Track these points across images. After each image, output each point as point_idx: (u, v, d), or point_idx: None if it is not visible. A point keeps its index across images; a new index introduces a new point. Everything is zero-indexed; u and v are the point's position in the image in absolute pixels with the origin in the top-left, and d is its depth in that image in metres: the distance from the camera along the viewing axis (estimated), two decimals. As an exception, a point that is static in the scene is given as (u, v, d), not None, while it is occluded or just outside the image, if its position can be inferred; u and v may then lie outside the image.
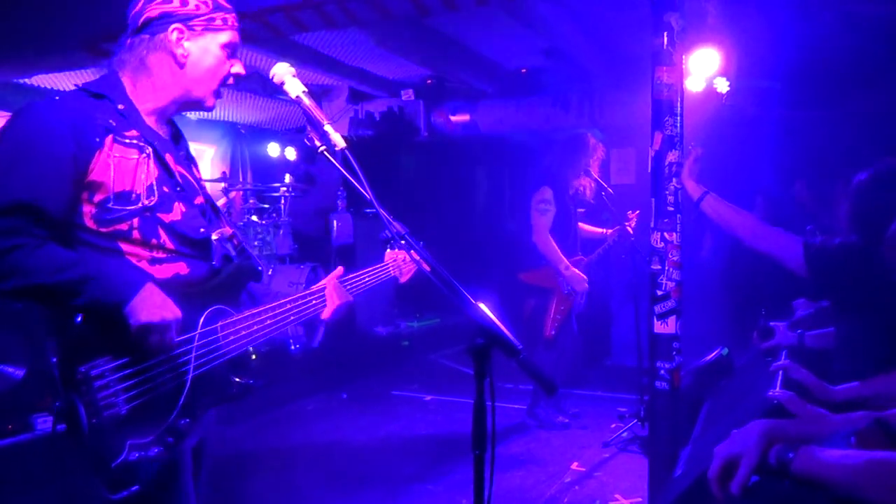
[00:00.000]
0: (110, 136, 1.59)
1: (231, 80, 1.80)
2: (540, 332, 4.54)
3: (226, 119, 7.43)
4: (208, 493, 1.95)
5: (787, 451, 1.21)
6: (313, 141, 1.66)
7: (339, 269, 2.03)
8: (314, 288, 1.95)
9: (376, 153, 7.05)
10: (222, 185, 6.45)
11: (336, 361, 6.19)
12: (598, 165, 4.69)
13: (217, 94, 1.81)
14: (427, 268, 1.52)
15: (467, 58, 5.91)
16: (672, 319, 2.90)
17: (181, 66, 1.70)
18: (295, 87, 1.68)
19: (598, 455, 4.17)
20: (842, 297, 2.30)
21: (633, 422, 4.46)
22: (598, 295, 6.64)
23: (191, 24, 1.69)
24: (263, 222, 6.26)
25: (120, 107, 1.65)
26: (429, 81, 6.59)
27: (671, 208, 2.89)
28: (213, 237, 1.78)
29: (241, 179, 7.55)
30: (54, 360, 1.49)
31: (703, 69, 4.33)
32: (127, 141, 1.63)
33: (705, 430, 2.44)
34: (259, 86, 5.96)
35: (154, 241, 1.64)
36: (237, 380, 1.77)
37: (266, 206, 6.57)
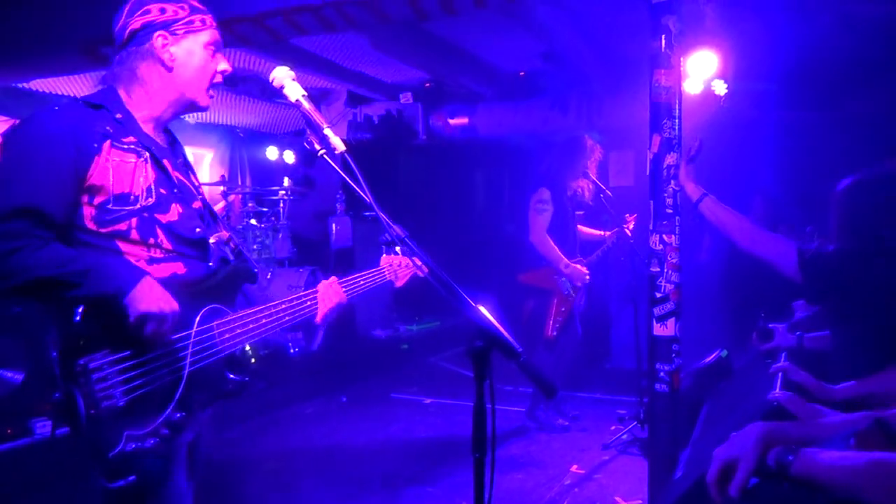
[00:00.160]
0: (108, 142, 1.65)
1: (219, 78, 1.86)
2: (540, 333, 4.54)
3: (224, 123, 7.44)
4: (207, 495, 1.95)
5: (787, 453, 1.21)
6: (313, 144, 1.67)
7: (333, 278, 2.07)
8: (310, 290, 1.99)
9: (375, 156, 7.06)
10: (221, 188, 6.45)
11: (335, 364, 6.19)
12: (596, 167, 4.70)
13: (209, 93, 1.86)
14: (426, 271, 1.54)
15: (465, 61, 5.92)
16: (671, 321, 2.91)
17: (170, 69, 1.77)
18: (294, 91, 1.70)
19: (597, 457, 4.17)
20: (836, 303, 2.31)
21: (632, 424, 4.46)
22: (598, 297, 6.64)
23: (172, 29, 1.75)
24: (262, 226, 6.26)
25: (118, 116, 1.71)
26: (427, 85, 6.60)
27: (670, 210, 2.89)
28: (211, 240, 1.82)
29: (239, 183, 7.55)
30: (54, 354, 1.55)
31: (701, 72, 4.33)
32: (124, 146, 1.68)
33: (705, 432, 2.44)
34: (258, 89, 5.97)
35: (152, 240, 1.70)
36: (232, 377, 1.83)
37: (265, 209, 6.56)
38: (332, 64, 5.73)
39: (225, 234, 1.89)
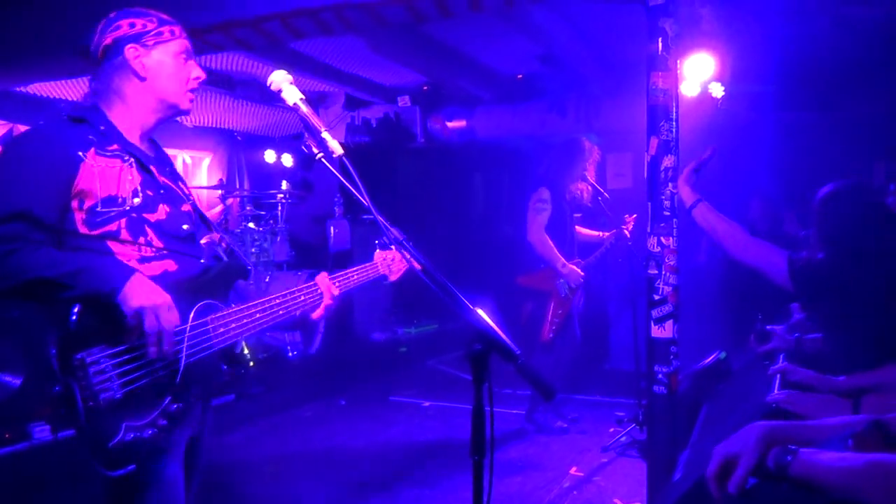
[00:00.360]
0: (92, 149, 1.74)
1: (194, 84, 1.94)
2: (537, 335, 4.54)
3: (222, 126, 7.44)
4: (207, 498, 1.96)
5: (785, 453, 1.21)
6: (311, 148, 1.68)
7: (324, 274, 2.12)
8: (302, 285, 2.03)
9: (373, 159, 7.06)
10: (219, 192, 6.45)
11: (334, 368, 6.19)
12: (594, 169, 4.71)
13: (189, 97, 1.94)
14: (419, 267, 1.55)
15: (463, 64, 5.93)
16: (669, 324, 2.91)
17: (143, 79, 1.85)
18: (292, 95, 1.72)
19: (596, 459, 4.17)
20: (828, 309, 2.33)
21: (631, 426, 4.46)
22: (596, 299, 6.64)
23: (142, 41, 1.84)
24: (260, 229, 6.26)
25: (101, 128, 1.80)
26: (425, 88, 6.60)
27: (667, 213, 2.90)
28: (203, 241, 1.89)
29: (237, 186, 7.55)
30: (53, 350, 1.60)
31: (698, 74, 4.35)
32: (108, 153, 1.77)
33: (704, 433, 2.44)
34: (256, 93, 5.98)
35: (142, 239, 1.77)
36: (227, 369, 1.89)
37: (263, 212, 6.56)
38: (329, 67, 5.73)
39: (216, 236, 1.95)
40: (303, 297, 2.01)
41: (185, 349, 1.73)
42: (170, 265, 1.81)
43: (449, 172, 8.95)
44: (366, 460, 4.29)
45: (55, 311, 1.60)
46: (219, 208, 6.41)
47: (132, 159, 1.80)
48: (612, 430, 4.64)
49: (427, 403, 5.54)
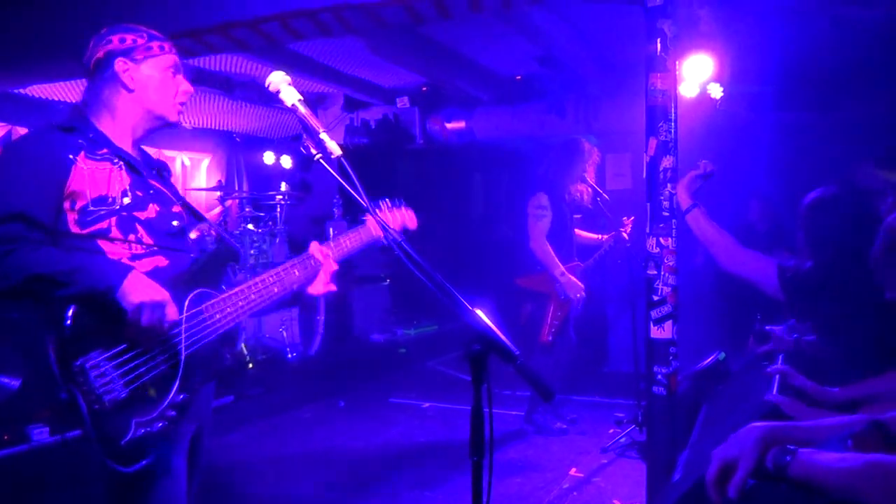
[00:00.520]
0: (82, 153, 1.80)
1: (183, 97, 2.02)
2: (537, 337, 4.54)
3: (221, 128, 7.43)
4: (206, 499, 1.97)
5: (784, 454, 1.21)
6: (309, 149, 1.68)
7: (314, 243, 2.14)
8: (295, 259, 2.07)
9: (372, 161, 7.06)
10: (218, 193, 6.44)
11: (333, 369, 6.19)
12: (593, 171, 4.70)
13: (178, 109, 2.01)
14: (422, 273, 1.55)
15: (462, 65, 5.93)
16: (668, 324, 2.91)
17: (131, 91, 1.92)
18: (290, 96, 1.72)
19: (596, 461, 4.17)
20: (819, 319, 2.33)
21: (630, 427, 4.46)
22: (595, 301, 6.63)
23: (132, 55, 1.91)
24: (259, 230, 6.25)
25: (90, 135, 1.87)
26: (424, 89, 6.60)
27: (666, 213, 2.90)
28: (192, 235, 1.95)
29: (236, 188, 7.54)
30: (52, 358, 1.62)
31: (697, 75, 4.34)
32: (98, 157, 1.83)
33: (703, 434, 2.44)
34: (255, 94, 5.97)
35: (132, 236, 1.82)
36: (228, 354, 1.95)
37: (262, 214, 6.56)
38: (328, 69, 5.73)
39: (205, 226, 2.00)
40: (297, 272, 2.05)
41: (183, 340, 1.77)
42: (160, 261, 1.86)
43: (448, 173, 8.95)
44: (365, 461, 4.29)
45: (52, 313, 1.63)
46: (218, 210, 6.40)
47: (121, 162, 1.86)
48: (611, 431, 4.64)
49: (427, 404, 5.54)
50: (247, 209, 6.47)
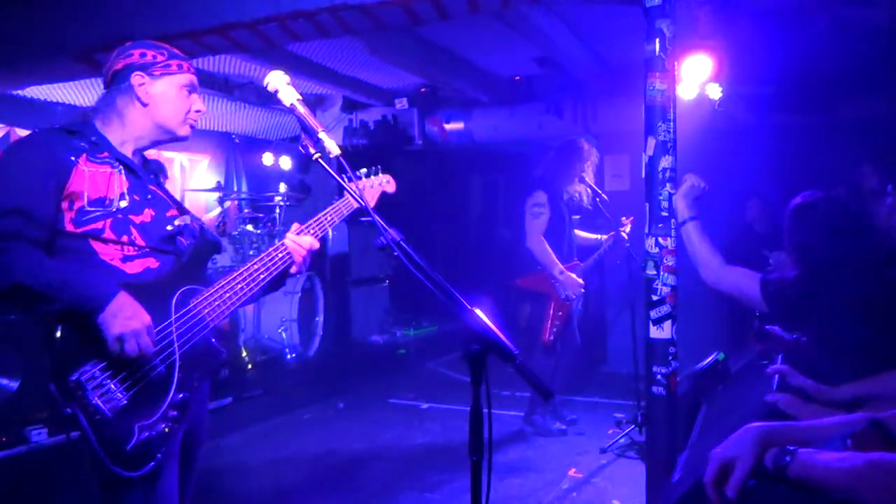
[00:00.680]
0: (84, 155, 1.84)
1: (195, 116, 2.06)
2: (537, 337, 4.53)
3: (220, 129, 7.43)
4: (206, 502, 1.97)
5: (783, 454, 1.21)
6: (308, 148, 1.69)
7: (295, 225, 2.15)
8: (278, 244, 2.09)
9: (371, 162, 7.03)
10: (217, 194, 6.43)
11: (332, 370, 6.18)
12: (592, 171, 4.70)
13: (188, 126, 2.06)
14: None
15: (461, 66, 5.93)
16: (668, 324, 2.91)
17: (145, 105, 1.96)
18: (289, 96, 1.73)
19: (595, 461, 4.17)
20: (804, 329, 2.33)
21: (630, 427, 4.46)
22: (594, 301, 6.64)
23: (150, 70, 1.96)
24: (258, 231, 6.24)
25: (92, 139, 1.90)
26: (423, 90, 6.60)
27: (665, 213, 2.89)
28: (176, 222, 1.96)
29: (235, 189, 7.54)
30: (49, 372, 1.65)
31: (696, 75, 4.34)
32: (99, 160, 1.87)
33: (702, 434, 2.43)
34: (253, 96, 5.97)
35: (125, 238, 1.84)
36: (223, 348, 1.97)
37: (261, 215, 6.55)
38: (327, 70, 5.73)
39: (187, 218, 2.01)
40: (282, 255, 2.06)
41: (176, 340, 1.79)
42: (151, 263, 1.89)
43: (447, 174, 8.96)
44: (365, 463, 4.28)
45: (43, 329, 1.67)
46: (217, 211, 6.39)
47: (121, 166, 1.90)
48: (610, 431, 4.64)
49: (426, 405, 5.54)
50: (245, 210, 6.46)
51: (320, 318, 6.37)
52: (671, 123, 2.89)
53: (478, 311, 1.42)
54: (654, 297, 2.92)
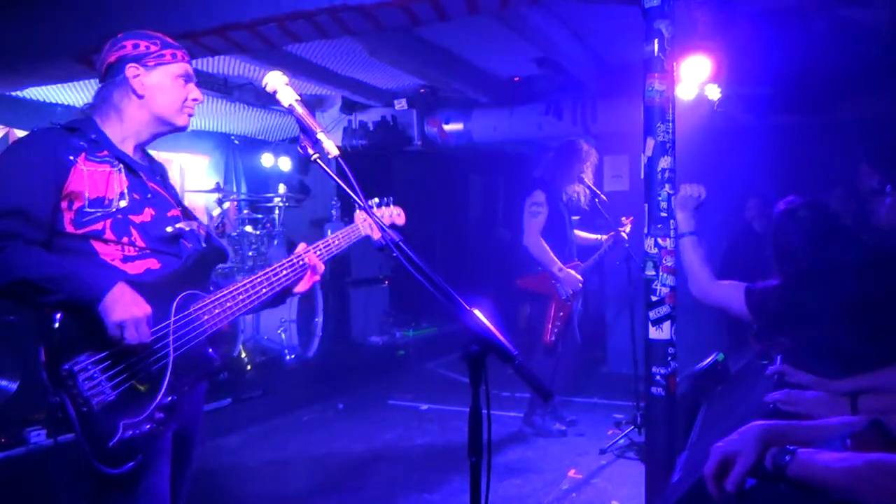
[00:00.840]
0: (83, 155, 1.82)
1: (192, 105, 2.05)
2: (538, 338, 4.53)
3: (219, 130, 7.43)
4: (203, 501, 1.97)
5: (784, 454, 1.21)
6: (306, 149, 1.68)
7: (303, 245, 2.15)
8: (284, 260, 2.09)
9: (370, 162, 7.06)
10: (217, 195, 6.43)
11: (332, 371, 6.18)
12: (591, 172, 4.70)
13: (186, 115, 2.04)
14: (420, 274, 1.56)
15: (460, 67, 5.93)
16: (667, 325, 2.91)
17: (141, 96, 1.94)
18: (288, 96, 1.73)
19: (595, 462, 4.17)
20: (789, 337, 2.34)
21: (629, 428, 4.46)
22: (594, 302, 6.64)
23: (143, 61, 1.93)
24: (257, 232, 6.25)
25: (92, 136, 1.88)
26: (422, 91, 6.60)
27: (664, 214, 2.89)
28: (179, 225, 1.95)
29: (235, 190, 7.54)
30: (42, 361, 1.65)
31: (695, 76, 4.35)
32: (98, 159, 1.85)
33: (702, 435, 2.43)
34: (253, 97, 5.97)
35: (126, 238, 1.83)
36: (216, 356, 1.94)
37: (260, 216, 6.55)
38: (326, 70, 5.73)
39: (194, 223, 2.01)
40: (285, 272, 2.05)
41: (171, 343, 1.77)
42: (153, 264, 1.87)
43: (446, 175, 8.96)
44: (364, 463, 4.28)
45: (40, 318, 1.65)
46: (216, 212, 6.39)
47: (121, 165, 1.88)
48: (610, 432, 4.64)
49: (425, 406, 5.54)
50: (245, 211, 6.46)
51: (319, 319, 6.36)
52: (670, 124, 2.89)
53: (477, 312, 1.42)
54: (654, 298, 2.92)
